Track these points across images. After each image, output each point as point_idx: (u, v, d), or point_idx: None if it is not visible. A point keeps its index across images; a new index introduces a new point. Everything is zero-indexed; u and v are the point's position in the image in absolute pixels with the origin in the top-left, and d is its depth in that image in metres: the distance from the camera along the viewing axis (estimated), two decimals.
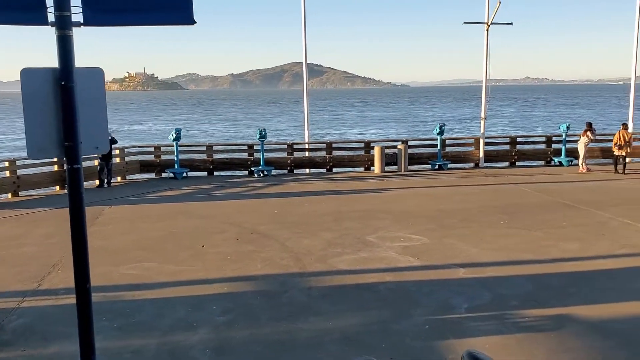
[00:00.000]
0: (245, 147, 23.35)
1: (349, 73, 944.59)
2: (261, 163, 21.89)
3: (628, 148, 21.18)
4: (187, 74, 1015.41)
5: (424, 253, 11.25)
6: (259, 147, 21.99)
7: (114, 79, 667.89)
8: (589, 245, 11.64)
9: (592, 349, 7.12)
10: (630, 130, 21.91)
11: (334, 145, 23.91)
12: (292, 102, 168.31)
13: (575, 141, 23.41)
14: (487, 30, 22.81)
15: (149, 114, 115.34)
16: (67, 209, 4.76)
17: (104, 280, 9.80)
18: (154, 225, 14.04)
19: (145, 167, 22.33)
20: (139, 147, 24.28)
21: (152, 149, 23.09)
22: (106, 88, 5.11)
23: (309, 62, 24.39)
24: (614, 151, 21.40)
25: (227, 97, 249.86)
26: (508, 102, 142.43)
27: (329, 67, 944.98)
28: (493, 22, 22.62)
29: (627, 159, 23.84)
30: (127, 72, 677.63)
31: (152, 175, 22.39)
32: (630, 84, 24.58)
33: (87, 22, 4.53)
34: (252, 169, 22.20)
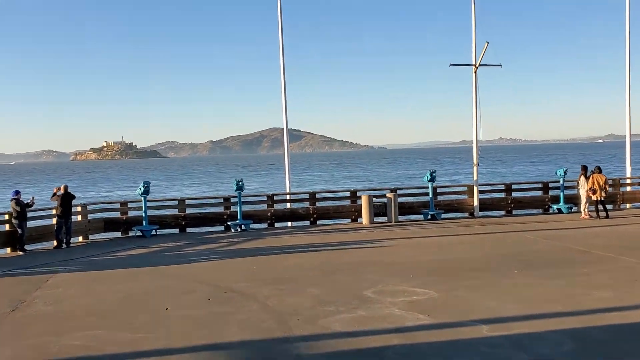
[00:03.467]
0: (221, 200, 21.46)
1: (326, 137, 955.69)
2: (239, 217, 19.97)
3: (604, 192, 19.88)
4: (166, 142, 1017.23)
5: (434, 309, 9.33)
6: (235, 199, 20.14)
7: (91, 148, 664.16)
8: (625, 294, 9.86)
9: None
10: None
11: (318, 195, 22.18)
12: (270, 165, 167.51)
13: (573, 187, 22.11)
14: (475, 72, 21.69)
15: (121, 180, 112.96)
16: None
17: (38, 355, 7.70)
18: (113, 287, 11.94)
19: (110, 225, 20.24)
20: (103, 203, 22.28)
21: (117, 205, 21.08)
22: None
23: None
24: (589, 196, 20.02)
25: (205, 163, 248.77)
26: (488, 161, 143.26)
27: (307, 132, 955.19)
28: (481, 63, 21.54)
29: (627, 204, 22.55)
30: (105, 141, 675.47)
31: (118, 234, 20.29)
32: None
33: None
34: (229, 223, 20.25)
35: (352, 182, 75.09)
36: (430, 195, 21.42)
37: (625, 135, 24.88)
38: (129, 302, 10.52)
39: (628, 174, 24.54)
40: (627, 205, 23.42)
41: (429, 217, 21.25)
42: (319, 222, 21.12)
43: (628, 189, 24.09)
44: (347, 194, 22.31)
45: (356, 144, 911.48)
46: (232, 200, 20.74)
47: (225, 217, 20.54)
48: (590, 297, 9.70)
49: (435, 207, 21.53)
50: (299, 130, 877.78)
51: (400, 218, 20.97)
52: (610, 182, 23.04)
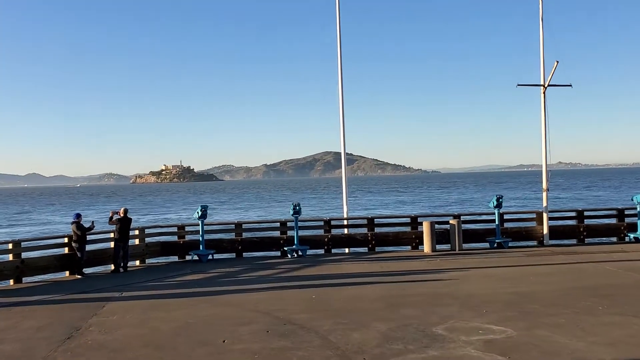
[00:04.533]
0: (278, 225, 21.00)
1: (379, 160, 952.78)
2: (295, 242, 19.43)
3: None
4: (222, 165, 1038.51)
5: (515, 350, 8.42)
6: (292, 224, 19.63)
7: (151, 171, 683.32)
8: None
9: None
10: None
11: (376, 221, 21.39)
12: (324, 189, 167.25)
13: None
14: (544, 92, 20.61)
15: (178, 202, 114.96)
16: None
17: None
18: (170, 314, 11.54)
19: (167, 249, 20.07)
20: (160, 227, 22.16)
21: (175, 229, 20.93)
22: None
23: (339, 151, 22.67)
24: None
25: (259, 187, 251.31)
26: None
27: (360, 155, 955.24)
28: (550, 83, 20.46)
29: None
30: (164, 165, 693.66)
31: (175, 258, 20.09)
32: None
33: None
34: (285, 248, 19.73)
35: (407, 207, 73.74)
36: (497, 222, 20.30)
37: None
38: (185, 333, 10.05)
39: None
40: None
41: (495, 245, 20.13)
42: (377, 248, 20.34)
43: None
44: (407, 220, 21.44)
45: (409, 167, 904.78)
46: (288, 224, 20.25)
47: (281, 241, 20.05)
48: None
49: (502, 235, 20.39)
50: (351, 154, 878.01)
51: (464, 246, 19.95)
52: None
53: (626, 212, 21.63)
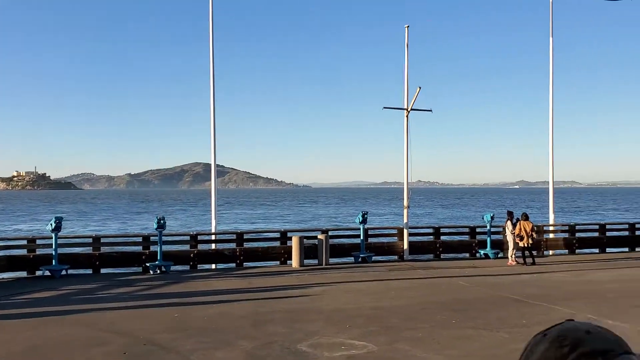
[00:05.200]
0: (140, 239, 20.05)
1: (251, 173, 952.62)
2: (158, 257, 18.64)
3: (530, 239, 20.17)
4: (81, 173, 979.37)
5: None
6: (156, 238, 18.82)
7: (0, 177, 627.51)
8: None
9: None
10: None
11: (246, 235, 21.16)
12: (194, 200, 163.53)
13: (499, 232, 22.37)
14: (407, 116, 21.75)
15: (30, 212, 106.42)
16: None
17: None
18: (16, 337, 10.49)
19: (14, 263, 18.35)
20: (8, 239, 20.27)
21: (24, 242, 19.22)
22: None
23: (210, 162, 22.21)
24: (517, 242, 20.27)
25: (121, 197, 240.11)
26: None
27: (232, 168, 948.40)
28: (413, 108, 21.63)
29: (548, 250, 23.02)
30: (16, 171, 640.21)
31: (24, 274, 18.41)
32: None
33: None
34: (148, 264, 18.84)
35: (277, 222, 74.14)
36: (362, 238, 20.97)
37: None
38: (32, 356, 9.16)
39: (551, 222, 25.17)
40: (550, 252, 23.92)
41: (360, 259, 20.76)
42: (246, 264, 20.11)
43: (551, 235, 24.67)
44: (277, 235, 21.46)
45: (281, 181, 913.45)
46: (152, 239, 19.40)
47: (143, 257, 19.13)
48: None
49: (367, 250, 21.08)
50: (222, 166, 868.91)
51: (331, 260, 20.35)
52: (535, 228, 23.53)
53: (477, 230, 23.30)
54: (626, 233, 26.33)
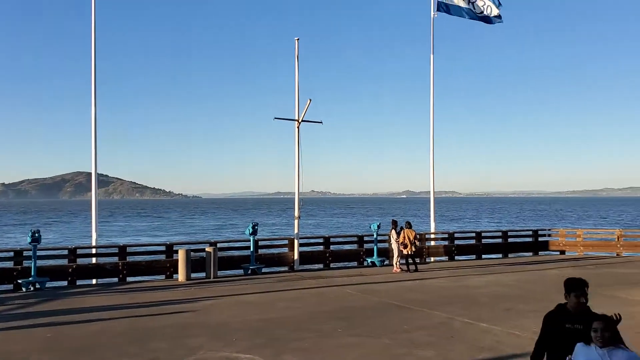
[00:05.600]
0: (12, 254, 18.58)
1: (137, 183, 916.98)
2: (32, 273, 17.35)
3: (414, 247, 21.13)
4: None
5: None
6: (30, 253, 17.52)
7: None
8: (446, 351, 10.02)
9: None
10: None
11: (129, 249, 20.26)
12: (76, 211, 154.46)
13: (386, 241, 23.11)
14: (298, 127, 21.96)
15: None
16: None
17: None
18: None
19: None
20: None
21: None
22: None
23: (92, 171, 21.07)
24: (401, 250, 21.15)
25: None
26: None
27: (116, 177, 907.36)
28: (304, 119, 21.88)
29: (434, 258, 24.12)
30: None
31: None
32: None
33: None
34: (20, 281, 17.48)
35: (163, 234, 71.89)
36: (252, 249, 20.80)
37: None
38: None
39: (432, 230, 26.38)
40: (432, 259, 25.07)
41: (250, 271, 20.57)
42: (129, 278, 19.24)
43: (432, 243, 25.86)
44: (163, 248, 20.73)
45: (169, 192, 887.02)
46: (25, 254, 18.05)
47: (15, 273, 17.73)
48: (415, 357, 9.67)
49: (257, 261, 20.94)
50: (106, 176, 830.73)
51: (220, 273, 19.99)
52: (418, 236, 24.57)
53: (365, 239, 23.94)
54: (500, 240, 28.23)
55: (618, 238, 28.21)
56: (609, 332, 4.70)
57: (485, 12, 25.08)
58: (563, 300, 5.35)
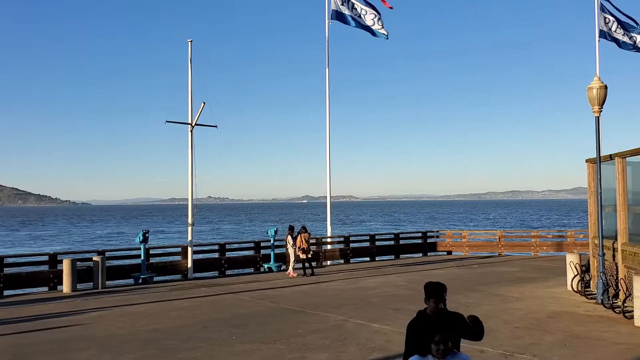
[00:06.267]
0: None
1: (19, 190, 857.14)
2: None
3: (310, 251, 21.46)
4: None
5: None
6: None
7: None
8: (339, 353, 10.21)
9: None
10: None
11: (7, 260, 18.85)
12: None
13: (283, 246, 23.19)
14: (191, 131, 21.53)
15: None
16: None
17: None
18: None
19: None
20: None
21: None
22: None
23: None
24: (298, 255, 21.41)
25: None
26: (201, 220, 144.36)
27: None
28: (198, 123, 21.49)
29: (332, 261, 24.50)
30: None
31: None
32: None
33: None
34: None
35: (46, 243, 67.76)
36: (143, 258, 20.07)
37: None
38: None
39: (328, 234, 26.80)
40: (328, 262, 25.47)
41: (141, 281, 19.84)
42: (7, 292, 17.89)
43: (329, 247, 26.28)
44: (46, 258, 19.49)
45: (56, 198, 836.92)
46: None
47: None
48: None
49: (148, 270, 20.23)
50: None
51: (109, 283, 19.14)
52: (314, 240, 24.89)
53: (262, 245, 23.88)
54: (392, 242, 29.23)
55: (499, 239, 30.17)
56: (447, 344, 4.69)
57: (372, 27, 25.91)
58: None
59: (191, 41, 21.83)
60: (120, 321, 13.42)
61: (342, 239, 27.82)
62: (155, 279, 20.37)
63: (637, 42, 27.05)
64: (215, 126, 22.11)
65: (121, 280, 20.06)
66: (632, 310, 12.42)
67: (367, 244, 28.04)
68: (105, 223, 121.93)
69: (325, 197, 26.41)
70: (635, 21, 27.22)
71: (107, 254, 20.00)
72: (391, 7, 26.24)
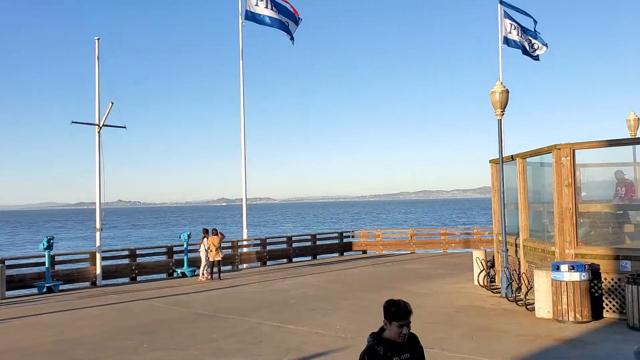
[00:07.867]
0: None
1: None
2: None
3: (220, 253, 21.25)
4: None
5: None
6: None
7: None
8: (254, 356, 10.15)
9: None
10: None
11: None
12: None
13: (197, 250, 22.73)
14: (99, 132, 20.67)
15: None
16: None
17: None
18: None
19: None
20: None
21: None
22: None
23: None
24: (208, 258, 21.11)
25: None
26: (109, 224, 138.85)
27: None
28: (105, 124, 20.66)
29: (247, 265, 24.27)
30: None
31: None
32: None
33: None
34: None
35: None
36: (47, 265, 19.01)
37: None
38: None
39: (244, 236, 26.53)
40: (244, 265, 25.22)
41: (45, 289, 18.79)
42: None
43: (245, 250, 26.03)
44: None
45: None
46: None
47: None
48: None
49: (53, 278, 19.20)
50: None
51: (9, 293, 18.00)
52: (229, 243, 24.59)
53: (175, 249, 23.29)
54: (309, 243, 29.41)
55: (411, 237, 31.11)
56: None
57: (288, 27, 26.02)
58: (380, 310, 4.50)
59: (98, 39, 20.96)
60: (21, 333, 12.64)
61: (258, 241, 27.66)
62: (62, 287, 19.36)
63: (533, 46, 28.72)
64: (124, 127, 21.34)
65: (23, 290, 18.92)
66: (534, 303, 13.17)
67: (284, 245, 28.03)
68: (5, 230, 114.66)
69: (241, 199, 26.13)
70: (534, 20, 28.79)
71: (7, 262, 18.80)
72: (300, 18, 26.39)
